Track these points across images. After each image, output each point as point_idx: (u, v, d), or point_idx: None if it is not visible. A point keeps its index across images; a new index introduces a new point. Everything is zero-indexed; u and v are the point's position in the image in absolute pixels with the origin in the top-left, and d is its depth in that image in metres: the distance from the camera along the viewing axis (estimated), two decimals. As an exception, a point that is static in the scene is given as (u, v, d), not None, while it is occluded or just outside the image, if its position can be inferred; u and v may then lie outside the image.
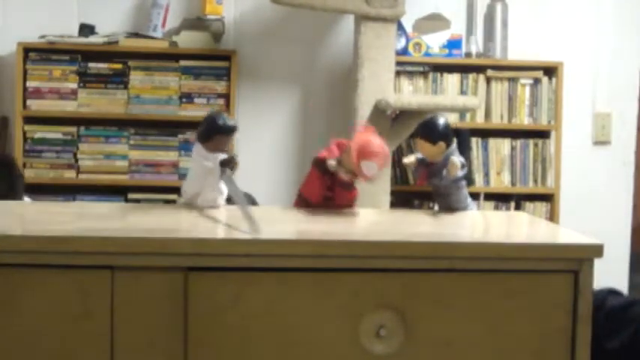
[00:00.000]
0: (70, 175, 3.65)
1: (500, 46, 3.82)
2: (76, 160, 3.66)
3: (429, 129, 1.75)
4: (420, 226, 1.50)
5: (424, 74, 3.77)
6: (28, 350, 1.16)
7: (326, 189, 1.63)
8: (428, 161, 1.77)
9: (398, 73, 3.67)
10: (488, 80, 3.80)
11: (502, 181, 3.80)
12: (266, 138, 3.87)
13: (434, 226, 1.50)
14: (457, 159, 1.72)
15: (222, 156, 1.58)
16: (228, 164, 1.58)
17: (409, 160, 1.82)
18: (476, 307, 1.21)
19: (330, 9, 3.47)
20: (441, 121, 1.76)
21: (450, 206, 1.74)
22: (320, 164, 1.64)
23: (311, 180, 1.65)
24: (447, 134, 1.74)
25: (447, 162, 1.72)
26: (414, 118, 3.55)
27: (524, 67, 3.81)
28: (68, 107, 3.65)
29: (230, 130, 1.60)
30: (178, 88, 3.68)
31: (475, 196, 3.76)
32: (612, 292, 1.62)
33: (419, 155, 1.80)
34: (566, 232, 1.42)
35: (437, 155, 1.72)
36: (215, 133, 1.57)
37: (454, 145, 1.75)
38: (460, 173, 1.71)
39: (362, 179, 1.61)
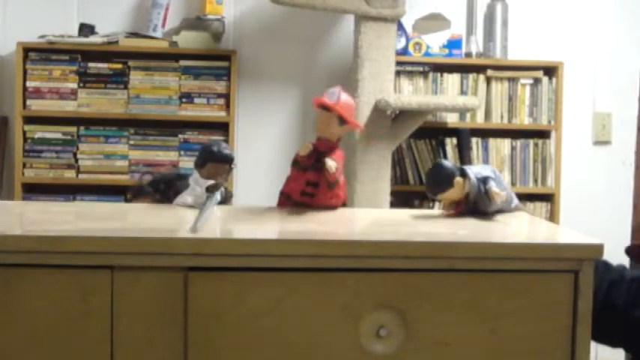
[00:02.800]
0: (70, 175, 3.66)
1: (500, 46, 3.83)
2: (76, 160, 3.67)
3: (437, 179, 1.63)
4: (420, 226, 1.50)
5: (424, 74, 3.77)
6: (27, 350, 1.16)
7: (305, 184, 1.62)
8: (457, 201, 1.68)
9: (398, 73, 3.68)
10: (488, 80, 3.80)
11: (502, 181, 3.80)
12: (266, 138, 3.87)
13: (434, 226, 1.50)
14: (495, 187, 1.60)
15: (211, 182, 1.60)
16: (214, 189, 1.61)
17: (449, 212, 1.70)
18: (476, 307, 1.21)
19: (331, 9, 3.47)
20: (443, 164, 1.65)
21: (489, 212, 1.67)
22: (296, 163, 1.64)
23: (291, 179, 1.64)
24: (454, 169, 1.64)
25: (478, 190, 1.62)
26: (414, 118, 3.56)
27: (524, 67, 3.82)
28: (68, 107, 3.66)
29: (222, 159, 1.63)
30: (178, 88, 3.69)
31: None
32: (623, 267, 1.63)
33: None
34: (566, 232, 1.42)
35: (462, 192, 1.63)
36: (208, 160, 1.61)
37: (469, 170, 1.64)
38: (504, 198, 1.60)
39: (329, 108, 1.57)
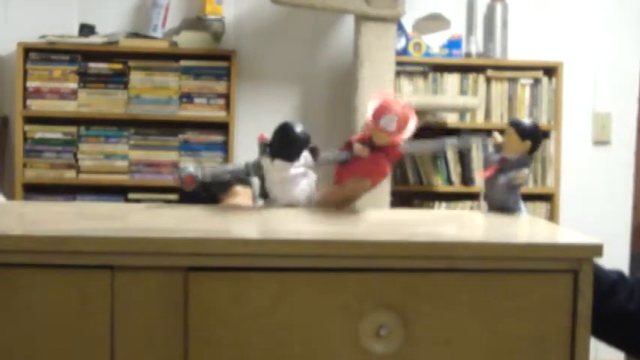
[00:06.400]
0: (70, 175, 3.66)
1: (500, 46, 3.83)
2: (76, 160, 3.67)
3: (522, 124, 1.73)
4: (420, 226, 1.50)
5: (424, 74, 3.77)
6: (27, 350, 1.16)
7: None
8: (503, 157, 1.75)
9: (398, 73, 3.68)
10: (488, 80, 3.80)
11: (502, 181, 3.80)
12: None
13: (434, 226, 1.50)
14: (527, 171, 1.70)
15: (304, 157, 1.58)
16: (317, 152, 1.60)
17: (496, 138, 1.79)
18: (476, 307, 1.21)
19: (330, 9, 3.47)
20: (535, 122, 1.75)
21: (497, 205, 1.72)
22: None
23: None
24: (536, 135, 1.72)
25: (521, 164, 1.69)
26: (414, 118, 3.56)
27: (524, 67, 3.82)
28: (68, 107, 3.66)
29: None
30: (178, 88, 3.69)
31: (475, 196, 3.76)
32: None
33: (496, 157, 1.76)
34: (566, 232, 1.42)
35: (515, 150, 1.70)
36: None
37: (536, 151, 1.72)
38: (518, 183, 1.68)
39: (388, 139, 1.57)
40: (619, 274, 1.59)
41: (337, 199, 1.65)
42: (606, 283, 1.54)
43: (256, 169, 1.58)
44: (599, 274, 1.56)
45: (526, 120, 1.74)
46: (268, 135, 1.59)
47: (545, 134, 3.86)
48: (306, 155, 1.58)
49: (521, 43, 3.92)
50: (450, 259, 1.21)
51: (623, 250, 4.00)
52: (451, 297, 1.21)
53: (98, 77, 3.67)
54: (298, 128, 1.55)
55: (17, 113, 3.62)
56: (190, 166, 1.58)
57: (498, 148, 1.75)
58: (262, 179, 1.60)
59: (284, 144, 1.55)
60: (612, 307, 1.52)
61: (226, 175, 1.59)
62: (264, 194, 1.60)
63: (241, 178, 1.67)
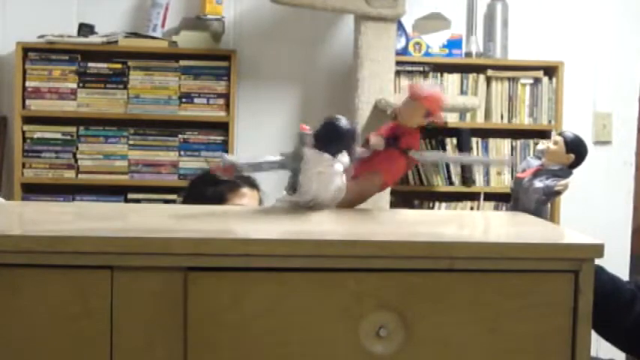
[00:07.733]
0: (69, 175, 3.66)
1: (501, 46, 3.83)
2: (76, 160, 3.67)
3: (570, 137, 1.72)
4: (420, 226, 1.49)
5: (424, 74, 3.77)
6: (27, 350, 1.16)
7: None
8: (542, 163, 1.74)
9: (398, 73, 3.68)
10: (488, 80, 3.80)
11: (502, 181, 3.80)
12: (266, 138, 3.87)
13: (434, 226, 1.50)
14: (569, 181, 1.69)
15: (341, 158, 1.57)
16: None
17: (544, 145, 1.79)
18: (476, 307, 1.21)
19: (331, 9, 3.47)
20: (584, 140, 1.75)
21: (527, 208, 1.70)
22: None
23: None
24: (582, 152, 1.71)
25: (564, 174, 1.68)
26: (413, 118, 3.56)
27: (524, 67, 3.82)
28: (67, 107, 3.66)
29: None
30: (178, 88, 3.69)
31: (475, 196, 3.76)
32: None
33: (537, 162, 1.74)
34: (566, 232, 1.42)
35: (558, 161, 1.68)
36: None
37: (578, 167, 1.71)
38: (558, 190, 1.68)
39: (427, 105, 1.54)
40: (636, 285, 1.60)
41: (352, 196, 1.64)
42: (625, 295, 1.55)
43: (294, 159, 1.56)
44: (619, 287, 1.57)
45: (576, 134, 1.73)
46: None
47: (546, 134, 3.86)
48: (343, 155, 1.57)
49: (521, 42, 3.92)
50: (450, 259, 1.21)
51: (623, 250, 4.00)
52: (451, 297, 1.21)
53: (97, 77, 3.67)
54: (346, 123, 1.55)
55: (16, 113, 3.62)
56: (230, 156, 1.57)
57: (541, 154, 1.74)
58: (294, 172, 1.58)
59: (333, 137, 1.54)
60: (635, 317, 1.54)
61: (263, 166, 1.57)
62: (293, 187, 1.59)
63: (271, 169, 1.64)
